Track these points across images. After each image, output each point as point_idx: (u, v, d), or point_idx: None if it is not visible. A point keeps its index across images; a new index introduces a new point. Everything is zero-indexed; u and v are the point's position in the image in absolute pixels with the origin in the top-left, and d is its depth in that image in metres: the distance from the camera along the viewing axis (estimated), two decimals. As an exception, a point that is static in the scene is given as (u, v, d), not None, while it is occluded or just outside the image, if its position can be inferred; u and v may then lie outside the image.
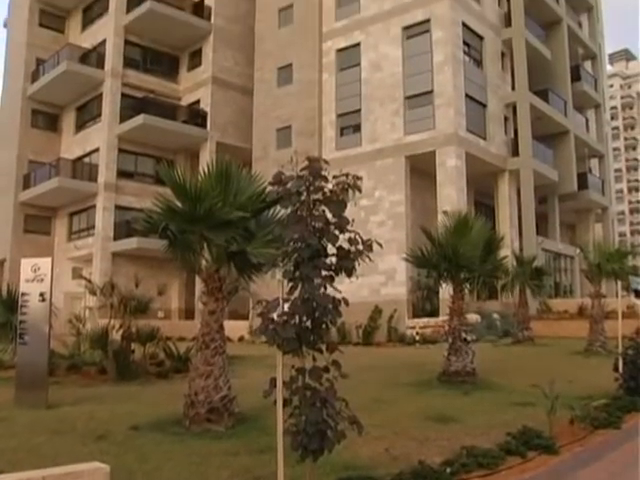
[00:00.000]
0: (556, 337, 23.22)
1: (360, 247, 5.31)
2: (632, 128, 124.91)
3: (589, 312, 20.39)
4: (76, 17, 40.79)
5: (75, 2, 40.22)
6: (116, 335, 15.12)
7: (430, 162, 27.91)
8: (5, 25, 44.29)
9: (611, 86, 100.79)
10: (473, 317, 22.72)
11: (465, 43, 29.86)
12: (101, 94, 36.22)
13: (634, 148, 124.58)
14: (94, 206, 35.05)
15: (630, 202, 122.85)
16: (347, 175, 5.32)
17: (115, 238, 34.12)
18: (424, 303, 27.60)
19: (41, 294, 10.76)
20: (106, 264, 33.53)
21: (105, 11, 37.55)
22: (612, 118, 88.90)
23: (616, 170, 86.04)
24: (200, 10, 37.84)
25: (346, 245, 5.30)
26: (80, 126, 38.48)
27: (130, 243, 32.47)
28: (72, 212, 37.50)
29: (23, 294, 10.98)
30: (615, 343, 12.41)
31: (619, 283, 14.67)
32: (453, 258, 13.07)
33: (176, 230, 8.48)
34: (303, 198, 5.28)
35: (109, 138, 34.94)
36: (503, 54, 33.29)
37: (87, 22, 39.87)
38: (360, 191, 5.29)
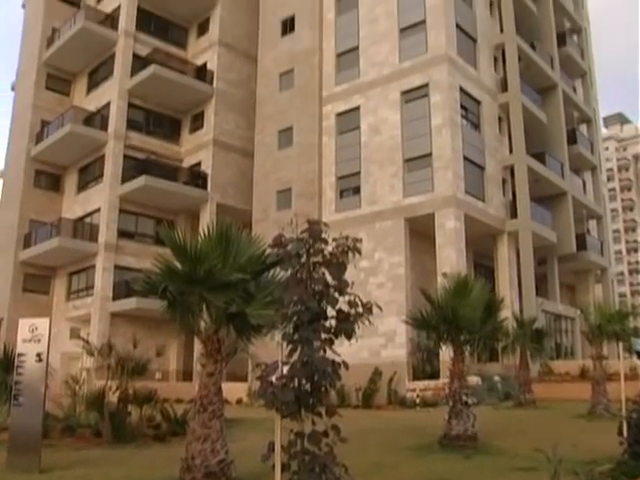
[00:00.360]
0: (558, 400, 22.87)
1: (360, 310, 5.30)
2: (629, 189, 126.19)
3: (591, 374, 20.15)
4: (82, 80, 41.65)
5: (81, 66, 41.14)
6: (113, 397, 14.94)
7: (429, 224, 28.03)
8: (13, 88, 45.27)
9: (606, 149, 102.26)
10: (474, 379, 22.48)
11: (463, 107, 30.30)
12: (103, 155, 36.67)
13: (631, 209, 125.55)
14: (94, 266, 35.04)
15: (629, 263, 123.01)
16: (347, 238, 5.35)
17: (114, 298, 33.98)
18: (424, 365, 27.30)
19: (38, 354, 10.69)
20: (104, 324, 33.29)
21: (110, 75, 38.37)
22: (608, 180, 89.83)
23: (614, 231, 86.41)
24: (203, 74, 38.70)
25: (346, 307, 5.29)
26: (82, 187, 38.83)
27: (129, 303, 32.37)
28: (71, 272, 37.46)
29: (19, 354, 10.91)
30: (619, 406, 12.23)
31: (620, 344, 14.56)
32: (453, 320, 13.01)
33: (175, 291, 8.47)
34: (303, 260, 5.30)
35: (110, 198, 35.21)
36: (500, 118, 33.83)
37: (92, 85, 40.70)
38: (360, 253, 5.32)
